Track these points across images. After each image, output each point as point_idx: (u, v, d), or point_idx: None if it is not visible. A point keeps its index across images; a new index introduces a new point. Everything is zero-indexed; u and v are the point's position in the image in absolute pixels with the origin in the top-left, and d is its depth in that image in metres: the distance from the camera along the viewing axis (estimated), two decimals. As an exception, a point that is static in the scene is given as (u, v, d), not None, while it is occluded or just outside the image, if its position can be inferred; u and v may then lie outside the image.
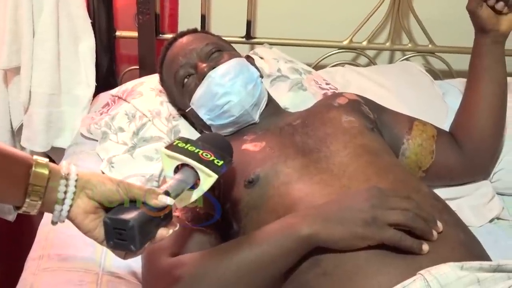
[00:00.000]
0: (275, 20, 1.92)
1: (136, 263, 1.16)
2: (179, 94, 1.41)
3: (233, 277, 0.99)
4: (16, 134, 1.76)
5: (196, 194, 0.97)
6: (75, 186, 0.85)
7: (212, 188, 0.98)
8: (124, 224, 0.82)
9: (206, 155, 0.97)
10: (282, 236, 0.98)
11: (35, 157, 0.83)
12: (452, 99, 1.67)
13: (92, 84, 1.72)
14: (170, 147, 0.98)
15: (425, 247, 0.94)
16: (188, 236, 1.12)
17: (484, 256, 1.02)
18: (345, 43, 1.88)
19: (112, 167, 1.42)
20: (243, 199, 1.15)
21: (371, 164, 1.12)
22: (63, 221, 0.86)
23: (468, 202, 1.44)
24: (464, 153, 1.37)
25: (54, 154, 1.77)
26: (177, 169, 0.97)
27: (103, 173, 1.43)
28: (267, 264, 0.99)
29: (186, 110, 1.40)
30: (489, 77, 1.37)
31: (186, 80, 1.37)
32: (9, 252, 1.83)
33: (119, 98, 1.59)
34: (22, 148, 1.77)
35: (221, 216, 1.18)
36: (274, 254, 0.98)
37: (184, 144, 0.98)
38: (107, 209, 0.87)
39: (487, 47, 1.37)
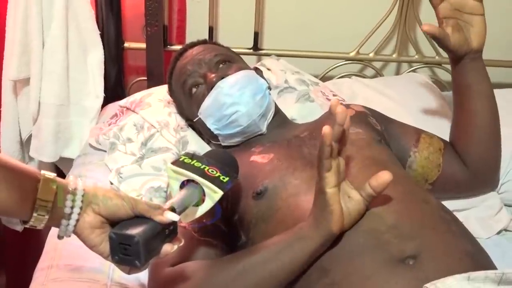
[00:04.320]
0: (282, 31, 1.93)
1: (144, 274, 1.16)
2: (187, 104, 1.42)
3: (239, 283, 1.00)
4: (25, 144, 1.77)
5: (201, 210, 0.98)
6: (82, 201, 0.85)
7: (220, 200, 0.99)
8: (129, 240, 0.82)
9: (212, 171, 0.98)
10: (289, 238, 1.00)
11: (42, 172, 0.83)
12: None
13: (101, 95, 1.73)
14: (176, 162, 0.99)
15: (323, 130, 0.92)
16: (195, 247, 1.13)
17: (491, 268, 1.01)
18: (352, 54, 1.89)
19: (121, 177, 1.43)
20: (251, 211, 1.15)
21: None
22: (69, 236, 0.87)
23: (475, 213, 1.44)
24: (468, 167, 1.37)
25: (63, 165, 1.78)
26: (183, 185, 0.98)
27: (111, 183, 1.44)
28: (274, 266, 0.99)
29: (194, 120, 1.41)
30: (475, 93, 1.34)
31: (194, 89, 1.38)
32: (18, 262, 1.84)
33: (128, 109, 1.60)
34: (31, 159, 1.79)
35: (229, 227, 1.19)
36: (282, 257, 0.99)
37: (190, 160, 0.99)
38: (113, 224, 0.87)
39: (467, 66, 1.33)
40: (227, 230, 1.19)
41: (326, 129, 0.92)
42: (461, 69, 1.34)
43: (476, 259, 0.99)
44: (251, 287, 1.00)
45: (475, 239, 1.07)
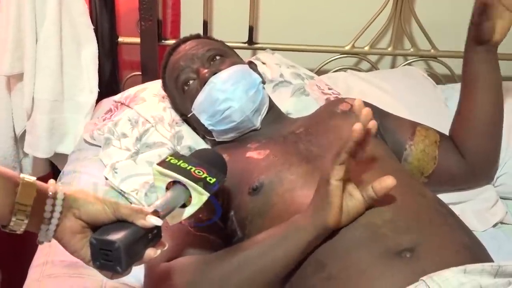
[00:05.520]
0: (277, 25, 1.92)
1: (140, 269, 1.16)
2: (180, 99, 1.42)
3: (234, 277, 1.00)
4: (19, 140, 1.77)
5: (187, 212, 0.96)
6: (62, 206, 0.83)
7: (216, 195, 0.98)
8: (110, 245, 0.80)
9: (199, 172, 0.95)
10: (284, 230, 1.00)
11: (22, 175, 0.81)
12: (455, 103, 1.65)
13: (95, 90, 1.73)
14: (163, 163, 0.97)
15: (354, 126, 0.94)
16: (190, 243, 1.13)
17: (487, 260, 1.01)
18: (347, 48, 1.89)
19: (116, 172, 1.42)
20: (247, 207, 1.15)
21: (376, 170, 1.12)
22: (50, 241, 0.85)
23: (471, 206, 1.44)
24: (465, 160, 1.37)
25: (57, 160, 1.78)
26: (170, 186, 0.96)
27: (106, 179, 1.43)
28: (269, 260, 0.99)
29: (188, 115, 1.40)
30: (484, 85, 1.35)
31: (188, 84, 1.37)
32: (13, 259, 1.83)
33: (122, 104, 1.59)
34: (25, 155, 1.78)
35: (225, 223, 1.18)
36: (277, 250, 0.99)
37: (176, 161, 0.97)
38: (94, 229, 0.85)
39: (480, 55, 1.34)
40: (223, 226, 1.19)
41: (357, 125, 0.94)
42: (474, 58, 1.35)
43: (473, 251, 0.99)
44: (246, 281, 1.00)
45: (472, 232, 1.07)
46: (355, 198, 0.99)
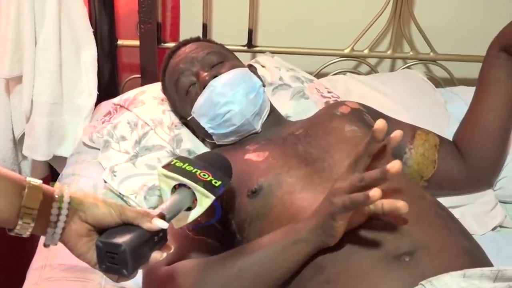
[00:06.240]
0: (276, 28, 1.92)
1: (138, 273, 1.16)
2: (180, 102, 1.42)
3: (235, 282, 1.00)
4: (18, 143, 1.77)
5: (193, 215, 0.96)
6: (68, 209, 0.83)
7: (219, 200, 0.97)
8: (116, 248, 0.80)
9: (204, 175, 0.96)
10: (285, 239, 0.99)
11: (28, 178, 0.81)
12: (454, 106, 1.67)
13: (94, 93, 1.73)
14: (168, 166, 0.97)
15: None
16: (189, 246, 1.12)
17: (487, 264, 1.01)
18: (346, 51, 1.89)
19: (114, 176, 1.42)
20: (246, 209, 1.14)
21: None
22: (56, 244, 0.85)
23: (470, 210, 1.43)
24: (467, 164, 1.37)
25: (56, 163, 1.78)
26: (175, 189, 0.96)
27: (105, 182, 1.43)
28: (270, 267, 0.99)
29: (188, 119, 1.40)
30: (499, 90, 1.35)
31: (187, 88, 1.37)
32: (10, 262, 1.83)
33: (121, 106, 1.59)
34: (24, 157, 1.78)
35: (224, 226, 1.18)
36: (277, 258, 0.99)
37: (182, 164, 0.97)
38: (100, 232, 0.85)
39: (500, 61, 1.34)
40: (221, 228, 1.18)
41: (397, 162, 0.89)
42: (493, 63, 1.35)
43: (472, 255, 0.99)
44: (248, 286, 0.99)
45: (471, 235, 1.07)
46: (359, 215, 0.97)
